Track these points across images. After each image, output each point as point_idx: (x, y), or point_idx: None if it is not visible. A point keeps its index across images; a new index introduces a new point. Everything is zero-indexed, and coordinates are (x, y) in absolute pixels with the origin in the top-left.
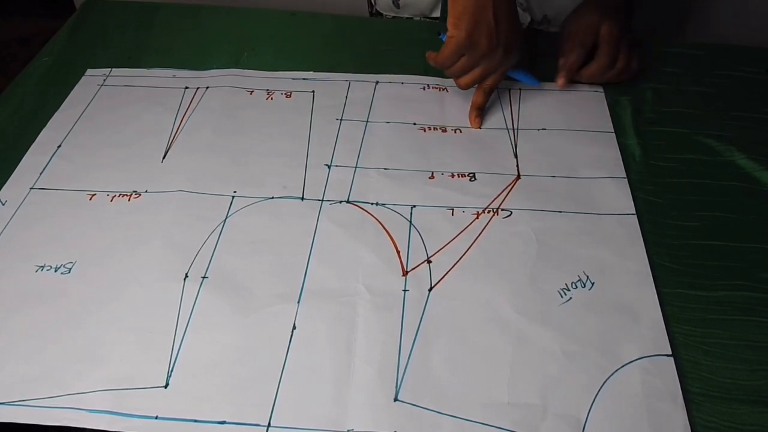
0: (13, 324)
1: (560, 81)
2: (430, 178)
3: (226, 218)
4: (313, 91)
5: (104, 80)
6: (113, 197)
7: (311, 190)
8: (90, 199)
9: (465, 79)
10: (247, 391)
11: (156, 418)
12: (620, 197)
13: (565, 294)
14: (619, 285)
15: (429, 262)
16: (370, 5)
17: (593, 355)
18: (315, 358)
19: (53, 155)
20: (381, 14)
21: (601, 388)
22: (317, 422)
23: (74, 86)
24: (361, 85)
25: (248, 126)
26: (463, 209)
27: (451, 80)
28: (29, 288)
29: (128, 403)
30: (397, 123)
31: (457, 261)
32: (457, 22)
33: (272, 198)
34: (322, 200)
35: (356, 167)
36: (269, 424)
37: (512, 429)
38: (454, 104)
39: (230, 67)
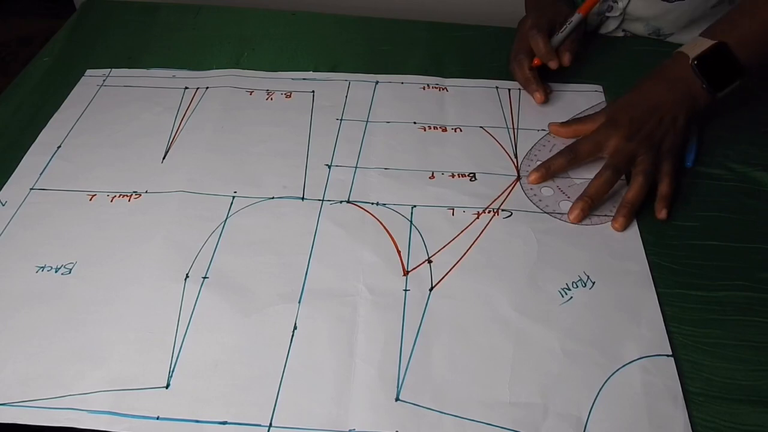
0: (14, 324)
1: (532, 177)
2: (430, 177)
3: (226, 218)
4: (313, 91)
5: (104, 80)
6: (113, 197)
7: (311, 190)
8: (90, 199)
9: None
10: (249, 392)
11: (157, 418)
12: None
13: (566, 294)
14: (620, 285)
15: (430, 261)
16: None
17: (594, 355)
18: (316, 358)
19: (53, 155)
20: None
21: (601, 387)
22: (318, 422)
23: (74, 86)
24: (361, 84)
25: (248, 126)
26: (464, 209)
27: (450, 80)
28: (29, 288)
29: (129, 404)
30: (397, 123)
31: (458, 261)
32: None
33: (272, 198)
34: (323, 200)
35: (356, 167)
36: (270, 424)
37: (513, 428)
38: (454, 104)
39: (230, 67)
